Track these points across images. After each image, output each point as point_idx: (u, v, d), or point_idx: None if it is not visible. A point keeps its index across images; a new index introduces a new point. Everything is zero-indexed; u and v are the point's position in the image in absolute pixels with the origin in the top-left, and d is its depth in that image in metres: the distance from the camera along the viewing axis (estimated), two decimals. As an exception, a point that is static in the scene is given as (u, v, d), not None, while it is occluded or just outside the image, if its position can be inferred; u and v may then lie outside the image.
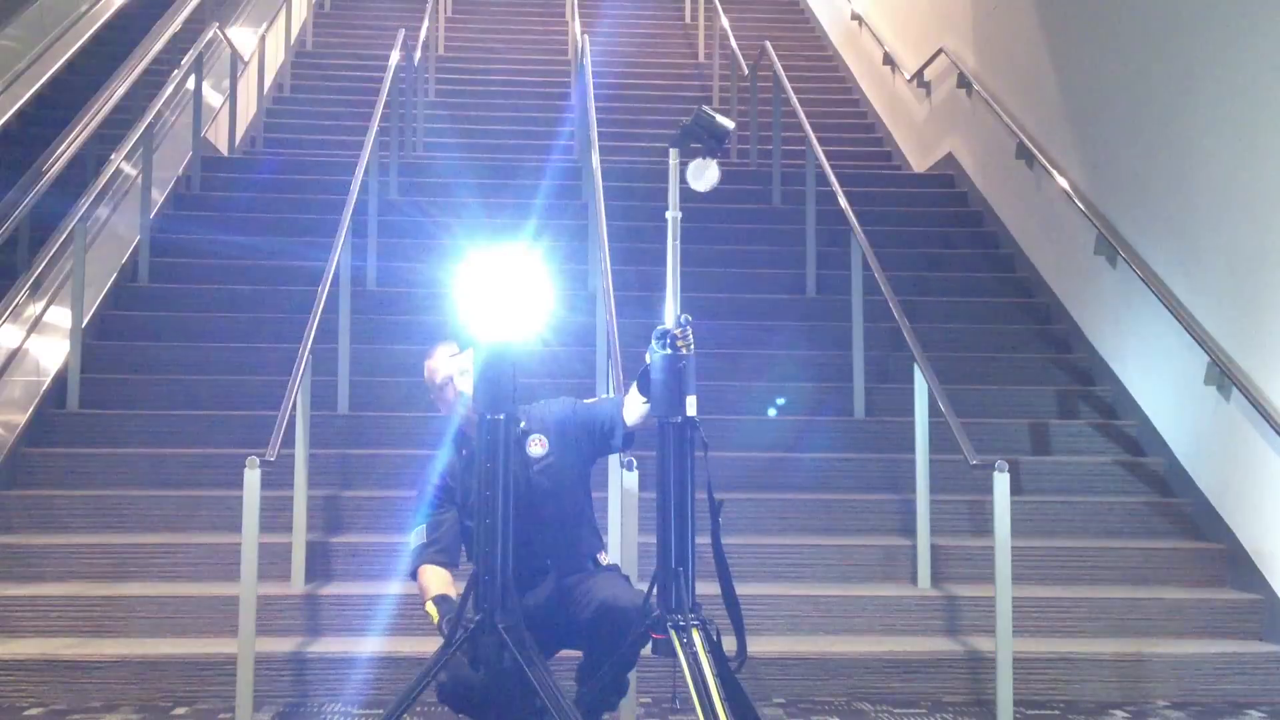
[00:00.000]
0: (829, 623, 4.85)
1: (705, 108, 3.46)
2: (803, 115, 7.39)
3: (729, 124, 3.41)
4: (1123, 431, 6.09)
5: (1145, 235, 6.00)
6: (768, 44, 8.44)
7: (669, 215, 3.46)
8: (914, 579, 5.08)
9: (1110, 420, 6.21)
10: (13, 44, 7.73)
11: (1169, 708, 4.50)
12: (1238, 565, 5.15)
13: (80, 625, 4.61)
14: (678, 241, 3.46)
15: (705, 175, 3.41)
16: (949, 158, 8.77)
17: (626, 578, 3.79)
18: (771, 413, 6.03)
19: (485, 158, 8.59)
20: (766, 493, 5.51)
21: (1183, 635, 4.87)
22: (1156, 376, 5.93)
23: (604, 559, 3.78)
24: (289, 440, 4.61)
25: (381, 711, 4.16)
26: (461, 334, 3.49)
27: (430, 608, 3.47)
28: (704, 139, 3.41)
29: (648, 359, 3.40)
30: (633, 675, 4.03)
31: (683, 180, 3.42)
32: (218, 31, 8.41)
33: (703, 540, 3.37)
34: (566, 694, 3.27)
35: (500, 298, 3.30)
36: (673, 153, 3.46)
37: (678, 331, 3.35)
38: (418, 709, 4.10)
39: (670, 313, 3.42)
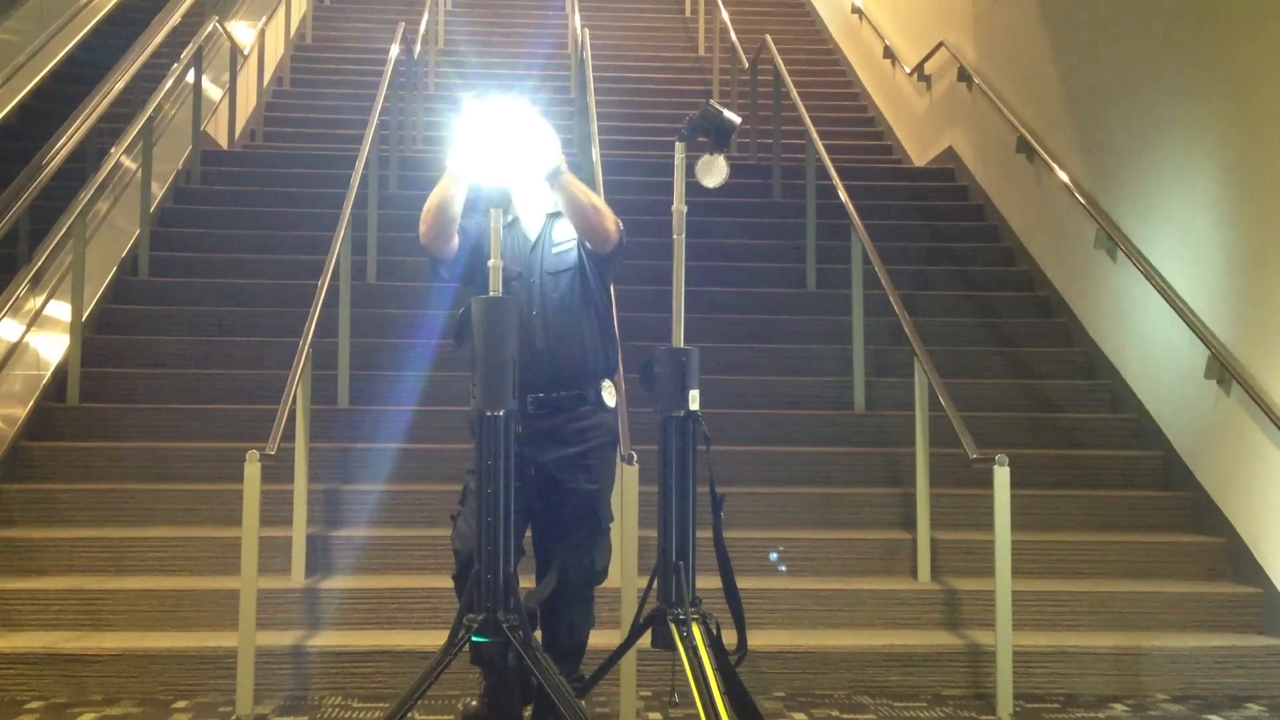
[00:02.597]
0: (829, 616, 4.85)
1: (712, 102, 3.44)
2: (803, 109, 7.38)
3: (736, 119, 3.38)
4: (1123, 425, 6.09)
5: (1146, 229, 6.00)
6: (768, 38, 8.43)
7: (675, 209, 3.45)
8: (914, 572, 5.08)
9: (1110, 414, 6.22)
10: (13, 37, 7.71)
11: (1168, 701, 4.50)
12: (1237, 558, 5.16)
13: (81, 619, 4.61)
14: (683, 235, 3.45)
15: (714, 171, 3.40)
16: (949, 151, 8.77)
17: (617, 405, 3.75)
18: (772, 423, 6.02)
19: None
20: (766, 486, 5.51)
21: (1182, 629, 4.87)
22: (1157, 370, 5.93)
23: (609, 396, 3.67)
24: (289, 434, 4.61)
25: (382, 705, 4.17)
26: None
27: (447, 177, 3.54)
28: (710, 133, 3.38)
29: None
30: (632, 669, 4.05)
31: (690, 175, 3.40)
32: (217, 25, 8.40)
33: (703, 534, 3.37)
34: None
35: (498, 139, 3.24)
36: (679, 147, 3.44)
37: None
38: (422, 702, 4.09)
39: (677, 309, 3.42)
